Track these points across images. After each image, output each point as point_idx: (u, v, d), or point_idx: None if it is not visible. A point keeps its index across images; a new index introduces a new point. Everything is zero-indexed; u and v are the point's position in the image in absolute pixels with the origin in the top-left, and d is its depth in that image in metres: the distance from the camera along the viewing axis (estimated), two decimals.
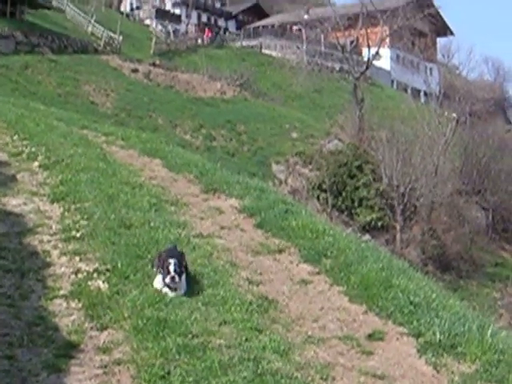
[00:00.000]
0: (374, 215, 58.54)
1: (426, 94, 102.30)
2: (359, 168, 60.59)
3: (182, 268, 10.79)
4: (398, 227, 58.63)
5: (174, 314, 10.36)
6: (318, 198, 57.30)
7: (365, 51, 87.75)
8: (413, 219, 59.85)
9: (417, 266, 24.21)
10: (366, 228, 53.92)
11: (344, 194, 59.60)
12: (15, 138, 23.03)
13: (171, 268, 10.62)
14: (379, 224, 57.59)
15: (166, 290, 10.80)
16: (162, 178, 19.79)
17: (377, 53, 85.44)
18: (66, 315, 10.95)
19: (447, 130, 66.45)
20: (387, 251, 20.49)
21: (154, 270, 11.40)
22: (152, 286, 11.37)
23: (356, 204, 59.26)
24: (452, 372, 9.47)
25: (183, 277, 10.96)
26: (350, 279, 12.35)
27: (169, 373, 8.84)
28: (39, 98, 47.69)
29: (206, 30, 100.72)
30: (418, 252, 56.32)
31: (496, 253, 68.75)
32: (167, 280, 10.74)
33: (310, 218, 16.73)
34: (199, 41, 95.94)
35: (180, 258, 10.93)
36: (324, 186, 59.32)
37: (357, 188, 59.83)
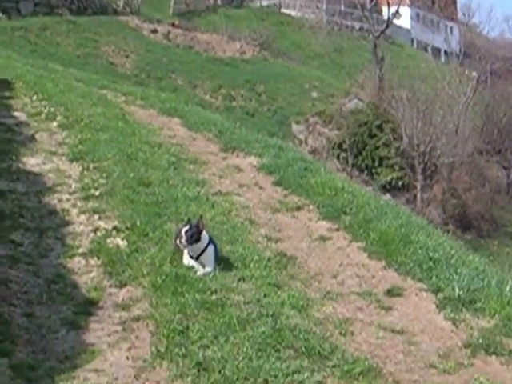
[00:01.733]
0: (394, 174, 58.33)
1: (446, 53, 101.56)
2: (379, 127, 60.31)
3: (196, 233, 10.60)
4: (419, 186, 58.45)
5: (193, 271, 10.41)
6: (338, 157, 57.22)
7: (384, 10, 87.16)
8: (433, 178, 59.66)
9: (438, 225, 24.17)
10: (387, 187, 53.77)
11: (364, 153, 59.39)
12: (34, 98, 23.05)
13: (182, 231, 10.50)
14: (400, 183, 57.43)
15: (194, 264, 10.63)
16: (181, 136, 19.80)
17: (397, 11, 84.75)
18: (85, 273, 11.03)
19: (468, 89, 66.05)
20: (407, 210, 20.42)
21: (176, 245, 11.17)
22: (170, 241, 11.40)
23: (376, 163, 59.05)
24: (471, 327, 9.46)
25: (209, 249, 10.85)
26: (369, 235, 12.35)
27: (187, 328, 8.87)
28: (58, 60, 47.66)
29: None
30: (439, 211, 56.25)
31: None
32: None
33: (328, 175, 16.72)
34: (218, 0, 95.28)
35: (196, 225, 10.72)
36: (344, 146, 59.13)
37: (377, 147, 59.60)
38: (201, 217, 10.90)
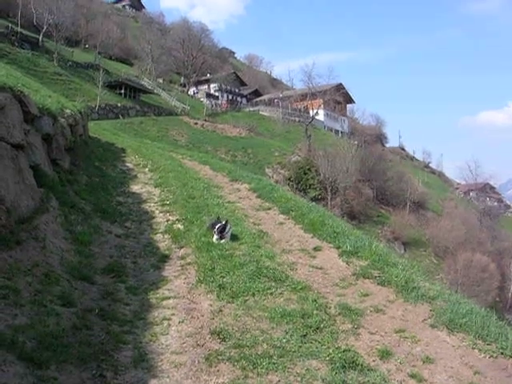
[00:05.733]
0: (316, 192, 58.34)
1: (342, 132, 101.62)
2: (309, 169, 60.36)
3: (223, 228, 10.45)
4: (329, 198, 58.57)
5: (217, 242, 10.38)
6: (288, 184, 57.02)
7: (311, 112, 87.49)
8: (336, 194, 59.81)
9: (338, 217, 24.22)
10: (313, 199, 53.63)
11: (301, 182, 59.38)
12: (136, 157, 23.08)
13: (217, 229, 10.40)
14: (319, 197, 57.53)
15: (218, 240, 10.46)
16: (210, 174, 19.77)
17: (316, 112, 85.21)
18: (162, 241, 11.02)
19: (352, 150, 66.25)
20: (323, 209, 20.45)
21: (210, 230, 10.97)
22: (205, 226, 11.35)
23: (308, 187, 59.22)
24: (355, 265, 9.44)
25: (229, 232, 10.55)
26: (304, 221, 12.31)
27: (214, 268, 8.85)
28: (148, 138, 47.71)
29: (224, 103, 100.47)
30: (339, 210, 56.32)
31: (378, 210, 68.83)
32: (218, 234, 10.43)
33: (284, 192, 16.75)
34: (226, 108, 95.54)
35: (224, 224, 10.53)
36: (291, 178, 59.23)
37: (307, 179, 59.63)
38: (227, 220, 10.71)
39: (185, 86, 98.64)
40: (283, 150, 69.40)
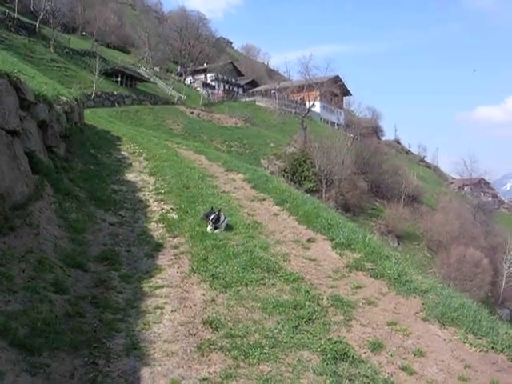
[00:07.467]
0: (311, 184, 58.28)
1: (338, 124, 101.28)
2: (304, 161, 60.32)
3: (217, 218, 10.41)
4: (324, 190, 58.57)
5: (211, 232, 10.37)
6: (283, 176, 56.88)
7: (307, 103, 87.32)
8: (331, 186, 59.79)
9: (332, 209, 24.18)
10: (308, 190, 53.56)
11: (296, 173, 59.35)
12: (131, 145, 22.91)
13: (211, 219, 10.42)
14: (314, 189, 57.46)
15: (212, 230, 10.48)
16: (205, 164, 19.70)
17: (313, 104, 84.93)
18: (156, 230, 10.97)
19: (348, 142, 66.13)
20: (318, 201, 20.44)
21: (204, 220, 11.02)
22: (199, 216, 11.33)
23: (303, 179, 59.20)
24: (349, 257, 9.48)
25: (224, 222, 10.57)
26: (299, 213, 12.31)
27: (207, 257, 8.85)
28: (144, 126, 47.54)
29: (221, 93, 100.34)
30: (333, 202, 56.29)
31: (372, 203, 68.91)
32: (212, 225, 10.45)
33: (278, 183, 16.72)
34: (222, 98, 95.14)
35: (217, 214, 10.55)
36: (286, 170, 59.11)
37: (303, 171, 59.62)
38: (220, 209, 10.76)
39: (181, 75, 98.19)
40: (279, 141, 69.24)
